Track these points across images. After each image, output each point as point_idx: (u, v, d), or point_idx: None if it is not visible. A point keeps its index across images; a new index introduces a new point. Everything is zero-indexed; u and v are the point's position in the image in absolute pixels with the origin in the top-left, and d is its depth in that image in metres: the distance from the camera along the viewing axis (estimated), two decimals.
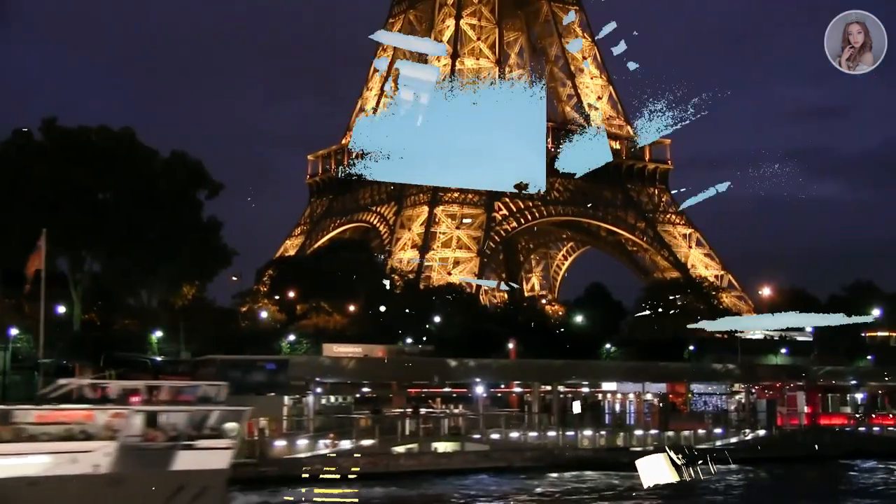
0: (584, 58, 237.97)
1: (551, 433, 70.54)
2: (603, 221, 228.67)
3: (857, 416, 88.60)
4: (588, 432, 72.02)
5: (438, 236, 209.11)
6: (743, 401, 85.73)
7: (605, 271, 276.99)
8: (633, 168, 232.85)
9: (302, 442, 60.82)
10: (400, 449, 62.80)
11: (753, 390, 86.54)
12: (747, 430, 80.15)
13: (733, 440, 78.35)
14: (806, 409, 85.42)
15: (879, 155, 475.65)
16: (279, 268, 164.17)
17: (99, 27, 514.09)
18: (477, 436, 67.25)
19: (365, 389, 74.88)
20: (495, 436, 67.91)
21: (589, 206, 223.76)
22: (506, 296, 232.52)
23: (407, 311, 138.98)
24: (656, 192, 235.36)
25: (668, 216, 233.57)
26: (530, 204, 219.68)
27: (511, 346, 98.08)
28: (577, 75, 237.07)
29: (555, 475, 63.85)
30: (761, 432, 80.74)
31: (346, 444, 61.62)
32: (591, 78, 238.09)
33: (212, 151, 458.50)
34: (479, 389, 71.15)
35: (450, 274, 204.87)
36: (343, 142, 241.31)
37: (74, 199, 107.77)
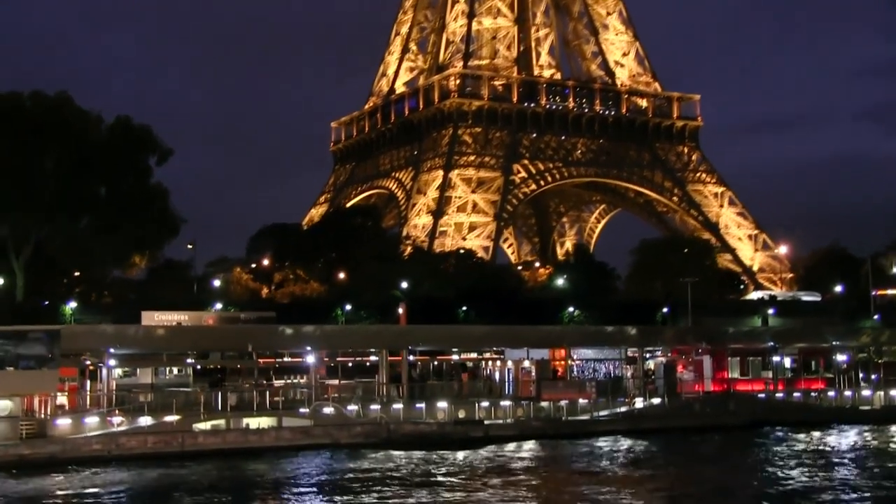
0: (609, 13, 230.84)
1: (397, 406, 66.12)
2: (628, 182, 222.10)
3: (781, 379, 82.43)
4: (442, 404, 67.43)
5: (454, 201, 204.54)
6: (650, 367, 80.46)
7: (645, 233, 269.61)
8: (660, 126, 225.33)
9: (91, 419, 57.35)
10: (204, 426, 58.95)
11: (658, 355, 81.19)
12: (638, 400, 74.72)
13: (621, 410, 73.20)
14: (712, 375, 79.66)
15: None
16: (271, 236, 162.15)
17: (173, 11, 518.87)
18: (305, 410, 63.14)
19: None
20: (328, 410, 63.68)
21: (602, 161, 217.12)
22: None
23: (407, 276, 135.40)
24: (686, 150, 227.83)
25: (698, 175, 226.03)
26: (550, 165, 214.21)
27: (402, 311, 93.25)
28: (601, 32, 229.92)
29: (381, 454, 59.53)
30: (655, 401, 75.29)
31: (144, 421, 58.03)
32: (617, 34, 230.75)
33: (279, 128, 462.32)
34: (311, 358, 66.82)
35: (464, 239, 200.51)
36: (365, 107, 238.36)
37: (7, 166, 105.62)
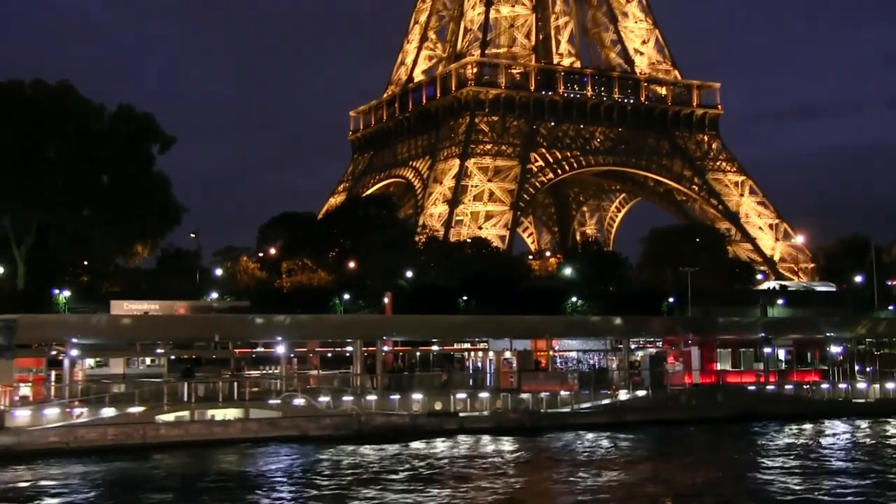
0: (629, 1, 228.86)
1: (371, 397, 65.19)
2: (647, 170, 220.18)
3: (773, 371, 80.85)
4: (418, 396, 66.44)
5: (470, 189, 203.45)
6: (637, 358, 79.05)
7: (666, 223, 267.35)
8: (679, 114, 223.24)
9: (52, 411, 56.74)
10: (167, 417, 58.25)
11: (648, 347, 79.87)
12: (622, 392, 73.38)
13: (604, 402, 71.93)
14: (700, 367, 78.13)
15: None
16: (282, 225, 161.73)
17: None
18: (276, 401, 62.28)
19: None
20: (299, 401, 62.83)
21: (620, 150, 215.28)
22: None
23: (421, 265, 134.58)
24: (706, 138, 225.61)
25: (718, 163, 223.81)
26: (568, 154, 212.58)
27: (386, 300, 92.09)
28: (620, 19, 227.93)
29: (351, 447, 58.63)
30: (640, 393, 73.95)
31: (107, 412, 57.39)
32: (636, 22, 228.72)
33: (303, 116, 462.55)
34: (282, 349, 65.92)
35: (480, 228, 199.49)
36: (384, 96, 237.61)
37: (9, 155, 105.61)
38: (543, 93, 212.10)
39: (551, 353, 74.01)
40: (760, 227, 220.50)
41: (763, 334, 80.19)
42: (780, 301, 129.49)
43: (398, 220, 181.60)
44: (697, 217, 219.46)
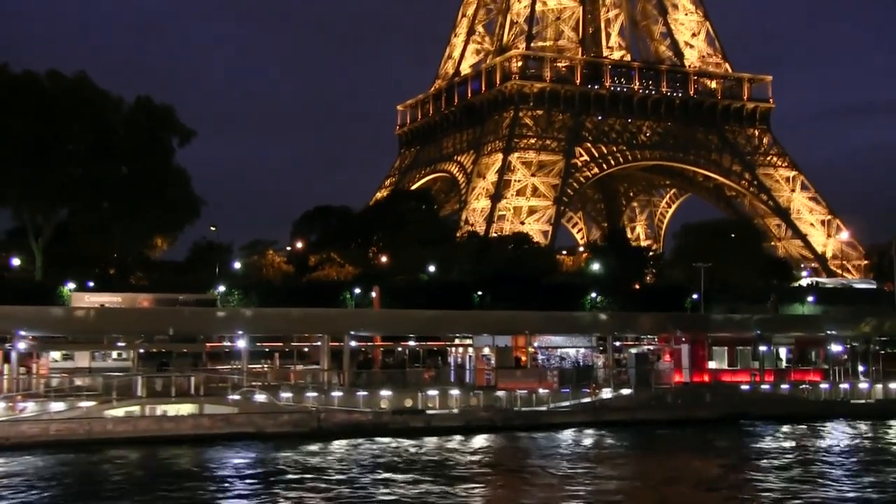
0: None
1: (336, 393, 63.89)
2: (695, 165, 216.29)
3: (769, 370, 78.26)
4: (386, 392, 65.03)
5: (513, 184, 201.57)
6: (623, 356, 76.83)
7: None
8: (729, 108, 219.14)
9: None
10: (117, 412, 57.37)
11: (644, 345, 77.70)
12: (606, 390, 71.34)
13: (584, 401, 69.98)
14: (690, 365, 75.74)
15: None
16: (316, 219, 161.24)
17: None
18: (234, 397, 61.24)
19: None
20: (260, 397, 61.73)
21: (668, 144, 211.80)
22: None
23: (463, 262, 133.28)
24: (756, 132, 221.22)
25: (769, 158, 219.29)
26: (614, 148, 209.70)
27: (374, 295, 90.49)
28: (670, 11, 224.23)
29: (315, 446, 57.43)
30: (625, 392, 71.83)
31: (55, 407, 56.71)
32: (686, 14, 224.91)
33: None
34: (242, 343, 64.80)
35: (522, 223, 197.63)
36: (431, 90, 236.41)
37: (28, 149, 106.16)
38: (589, 86, 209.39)
39: (530, 349, 72.05)
40: (812, 224, 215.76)
41: (758, 332, 77.62)
42: (810, 298, 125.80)
43: (437, 215, 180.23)
44: (747, 213, 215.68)
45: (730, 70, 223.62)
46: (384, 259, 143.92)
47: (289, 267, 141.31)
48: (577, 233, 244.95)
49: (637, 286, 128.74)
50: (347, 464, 51.94)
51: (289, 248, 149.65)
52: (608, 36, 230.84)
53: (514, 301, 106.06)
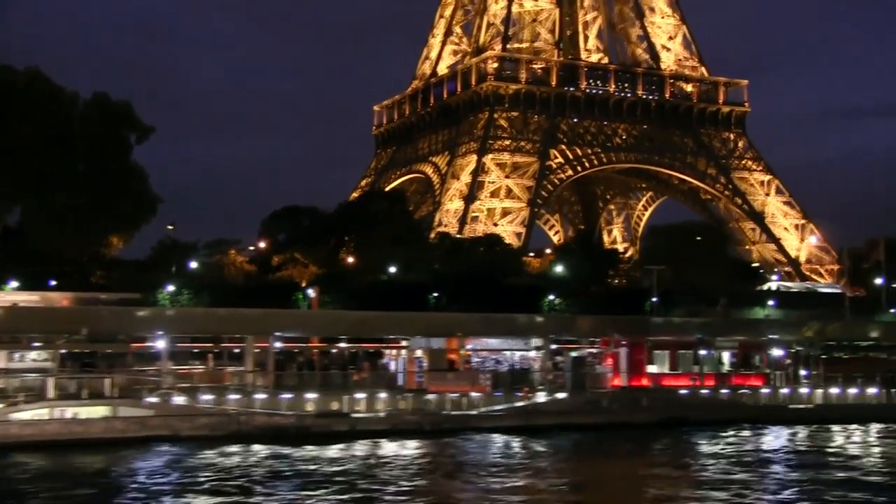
0: None
1: (260, 395, 63.38)
2: (670, 168, 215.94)
3: (709, 374, 77.92)
4: (311, 395, 64.50)
5: (487, 185, 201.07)
6: (560, 359, 76.56)
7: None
8: (705, 111, 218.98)
9: None
10: (24, 415, 56.70)
11: (585, 348, 77.41)
12: (540, 394, 70.95)
13: (517, 405, 69.57)
14: (628, 369, 75.43)
15: None
16: (284, 218, 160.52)
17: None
18: (151, 399, 60.66)
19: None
20: (180, 399, 61.16)
21: (644, 147, 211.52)
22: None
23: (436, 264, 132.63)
24: (732, 136, 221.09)
25: (743, 162, 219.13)
26: (589, 151, 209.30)
27: (312, 294, 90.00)
28: (647, 15, 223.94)
29: (236, 448, 56.90)
30: (560, 395, 71.46)
31: None
32: (663, 17, 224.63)
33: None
34: (162, 343, 64.29)
35: (496, 225, 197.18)
36: (407, 90, 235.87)
37: None
38: (565, 88, 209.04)
39: (463, 352, 71.67)
40: (786, 228, 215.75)
41: (699, 336, 77.34)
42: (770, 302, 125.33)
43: (410, 215, 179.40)
44: (722, 216, 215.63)
45: (706, 74, 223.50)
46: (350, 259, 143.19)
47: (251, 267, 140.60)
48: (555, 235, 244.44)
49: (601, 289, 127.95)
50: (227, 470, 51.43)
51: (251, 248, 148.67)
52: (586, 38, 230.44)
53: (473, 303, 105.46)
